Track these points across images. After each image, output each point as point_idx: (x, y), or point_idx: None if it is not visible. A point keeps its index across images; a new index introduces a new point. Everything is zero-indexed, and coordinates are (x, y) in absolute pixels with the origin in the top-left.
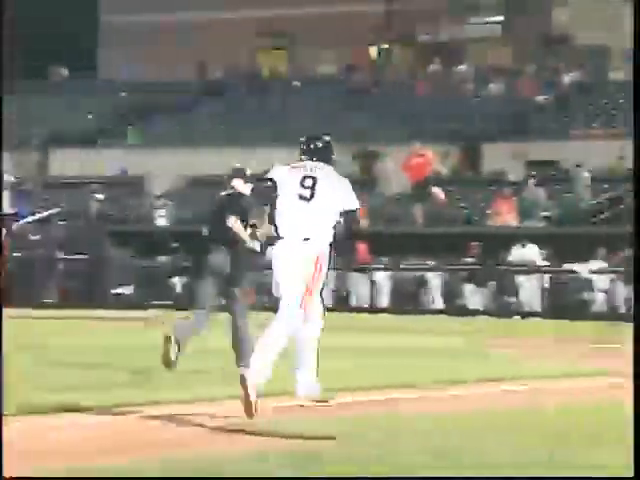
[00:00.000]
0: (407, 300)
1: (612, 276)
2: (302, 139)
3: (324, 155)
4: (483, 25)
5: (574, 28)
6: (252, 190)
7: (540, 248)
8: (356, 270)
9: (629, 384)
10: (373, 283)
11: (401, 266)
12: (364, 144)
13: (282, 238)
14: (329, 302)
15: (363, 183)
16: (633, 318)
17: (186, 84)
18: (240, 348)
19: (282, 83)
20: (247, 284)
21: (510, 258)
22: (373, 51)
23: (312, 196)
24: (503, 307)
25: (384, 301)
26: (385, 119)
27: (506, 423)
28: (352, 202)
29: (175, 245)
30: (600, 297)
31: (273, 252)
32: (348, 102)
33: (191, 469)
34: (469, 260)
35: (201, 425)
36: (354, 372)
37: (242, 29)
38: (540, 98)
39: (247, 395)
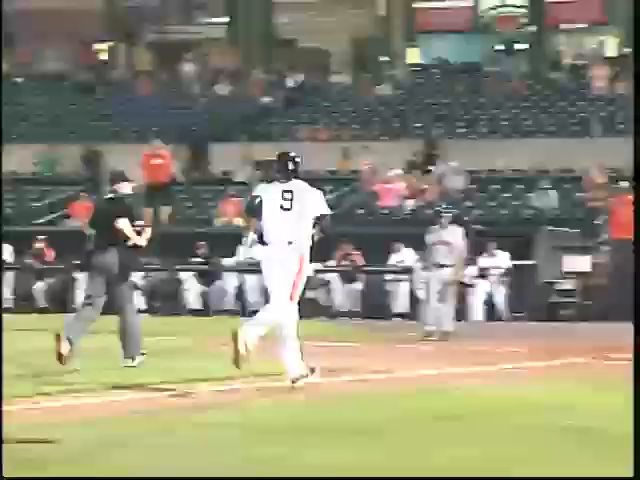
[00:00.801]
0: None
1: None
2: (275, 160)
3: (293, 174)
4: (209, 26)
5: (297, 32)
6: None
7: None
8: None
9: (369, 380)
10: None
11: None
12: (90, 143)
13: (269, 243)
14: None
15: (89, 182)
16: (633, 318)
17: None
18: (127, 341)
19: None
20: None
21: (239, 258)
22: (100, 49)
23: (291, 206)
24: (223, 307)
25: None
26: (112, 118)
27: (230, 419)
28: (324, 208)
29: None
30: (331, 296)
31: (263, 254)
32: (75, 101)
33: None
34: (196, 260)
35: None
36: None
37: None
38: (266, 99)
39: (237, 347)
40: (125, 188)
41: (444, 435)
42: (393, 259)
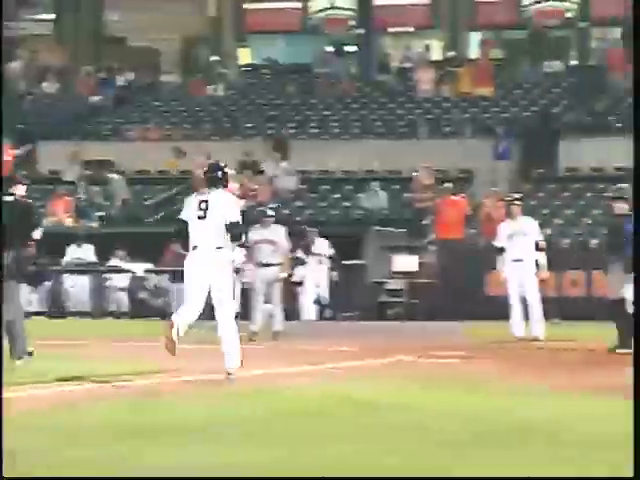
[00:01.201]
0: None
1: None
2: (205, 169)
3: (221, 182)
4: (36, 22)
5: (126, 30)
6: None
7: (96, 247)
8: None
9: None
10: None
11: None
12: None
13: (196, 248)
14: None
15: None
16: (633, 317)
17: None
18: (14, 342)
19: None
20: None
21: (66, 258)
22: None
23: (205, 215)
24: (57, 308)
25: None
26: None
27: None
28: (233, 216)
29: None
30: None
31: (187, 259)
32: None
33: None
34: None
35: None
36: None
37: None
38: (95, 98)
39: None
40: (21, 190)
41: (276, 434)
42: None
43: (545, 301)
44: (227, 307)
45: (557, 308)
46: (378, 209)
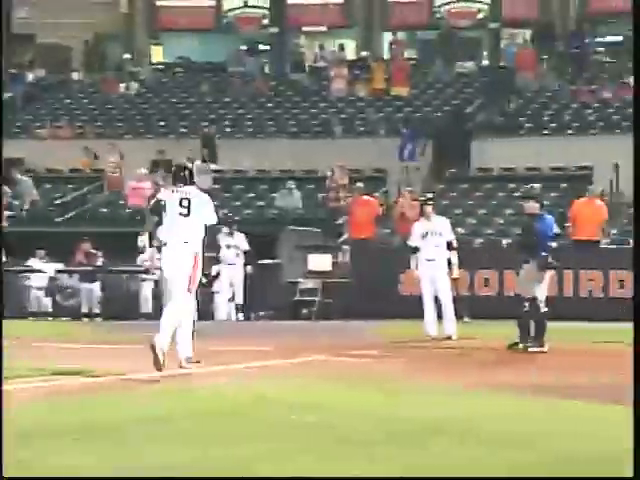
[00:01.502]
0: None
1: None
2: (173, 169)
3: (190, 179)
4: None
5: (35, 27)
6: None
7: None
8: None
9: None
10: None
11: None
12: None
13: (167, 244)
14: None
15: None
16: (633, 316)
17: None
18: None
19: None
20: None
21: None
22: None
23: (189, 212)
24: None
25: None
26: None
27: None
28: (212, 218)
29: None
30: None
31: (163, 253)
32: None
33: None
34: None
35: None
36: None
37: None
38: (5, 95)
39: (156, 356)
40: None
41: (190, 434)
42: (140, 259)
43: (457, 300)
44: (178, 299)
45: (469, 307)
46: (293, 208)
